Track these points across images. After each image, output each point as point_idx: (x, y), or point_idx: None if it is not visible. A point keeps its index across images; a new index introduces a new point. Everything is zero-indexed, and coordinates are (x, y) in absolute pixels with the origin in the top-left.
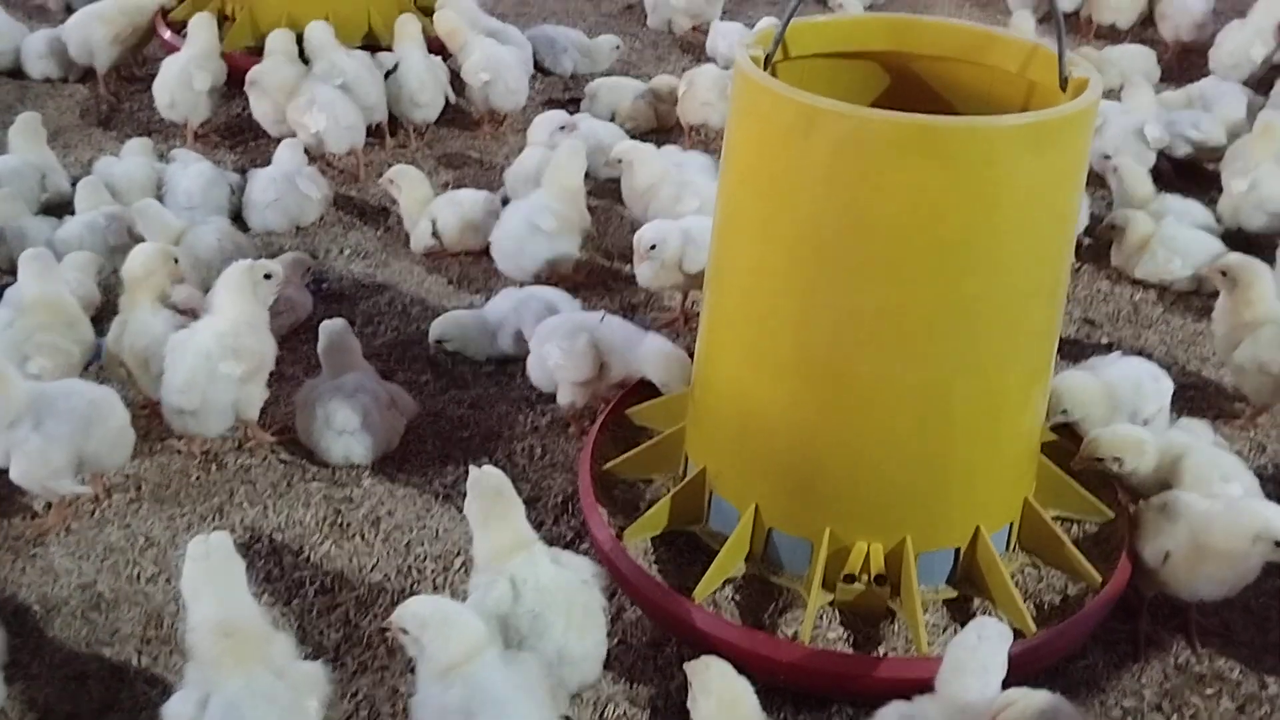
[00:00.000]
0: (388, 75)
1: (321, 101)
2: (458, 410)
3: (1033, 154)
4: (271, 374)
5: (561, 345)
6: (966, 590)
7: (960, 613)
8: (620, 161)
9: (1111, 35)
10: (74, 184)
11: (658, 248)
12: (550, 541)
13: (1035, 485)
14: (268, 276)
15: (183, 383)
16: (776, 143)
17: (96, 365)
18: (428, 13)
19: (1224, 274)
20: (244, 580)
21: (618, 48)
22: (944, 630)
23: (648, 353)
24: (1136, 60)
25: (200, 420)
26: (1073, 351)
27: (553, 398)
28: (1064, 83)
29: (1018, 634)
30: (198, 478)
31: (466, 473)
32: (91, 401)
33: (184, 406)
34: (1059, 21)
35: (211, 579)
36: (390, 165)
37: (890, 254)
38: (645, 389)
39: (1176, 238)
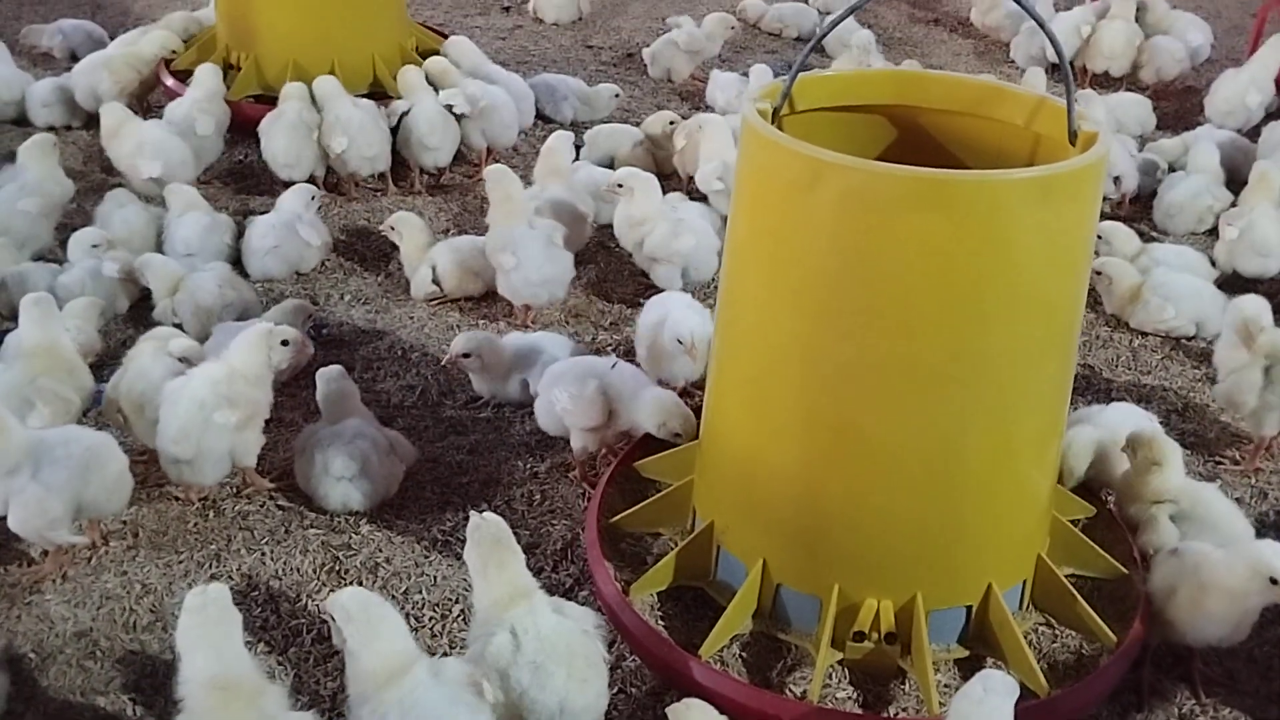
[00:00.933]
0: (400, 119)
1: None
2: (456, 456)
3: (1041, 208)
4: (270, 420)
5: (570, 390)
6: (979, 649)
7: (972, 672)
8: (620, 187)
9: (1105, 83)
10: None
11: (685, 343)
12: (549, 589)
13: (1049, 542)
14: (285, 343)
15: (177, 432)
16: (783, 196)
17: (95, 411)
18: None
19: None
20: (239, 633)
21: (617, 95)
22: (955, 690)
23: (643, 401)
24: (1131, 109)
25: (196, 469)
26: (1071, 399)
27: (552, 443)
28: (1073, 136)
29: (1031, 693)
30: (195, 524)
31: (465, 519)
32: (89, 448)
33: (179, 456)
34: (1068, 76)
35: (207, 632)
36: (392, 212)
37: (897, 308)
38: (654, 442)
39: (1167, 284)
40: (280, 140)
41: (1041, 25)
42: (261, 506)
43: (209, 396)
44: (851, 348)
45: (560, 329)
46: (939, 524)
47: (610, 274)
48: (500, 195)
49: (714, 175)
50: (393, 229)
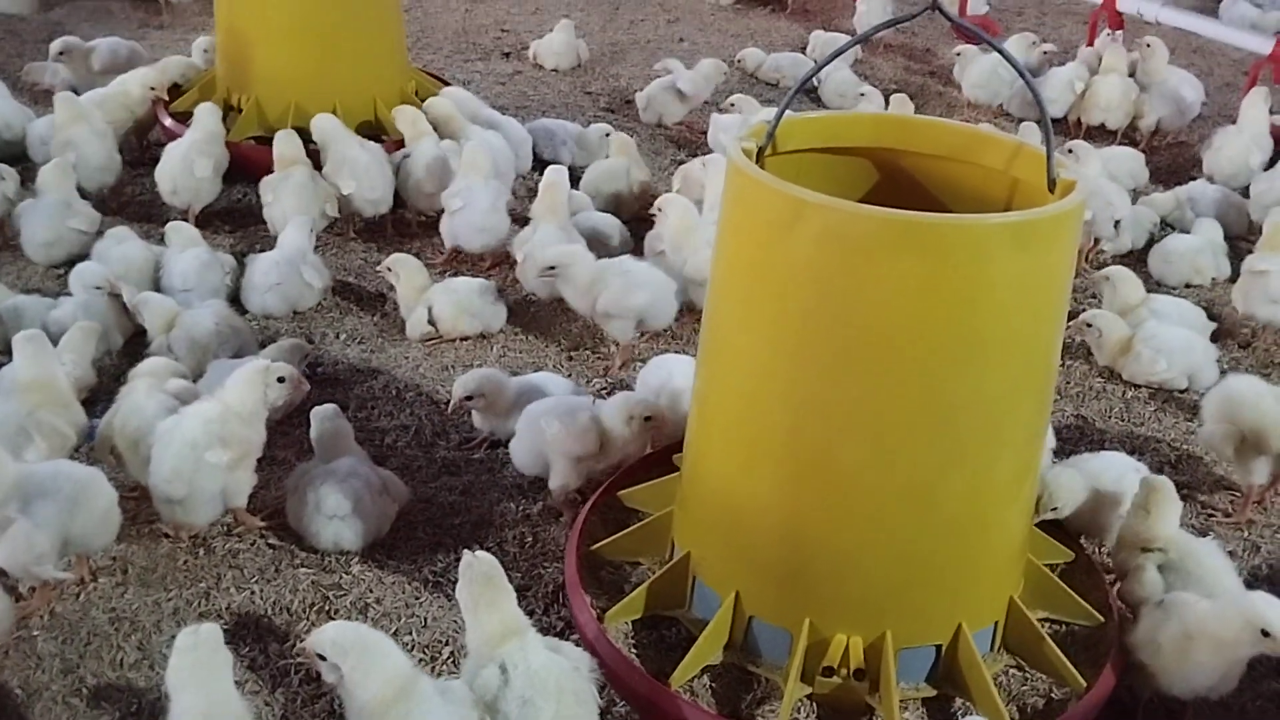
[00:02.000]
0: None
1: None
2: (449, 497)
3: (1017, 253)
4: (262, 457)
5: (563, 419)
6: (947, 689)
7: (940, 712)
8: (552, 269)
9: (1101, 135)
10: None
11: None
12: (540, 632)
13: (1023, 585)
14: (281, 380)
15: (169, 471)
16: (764, 234)
17: (87, 446)
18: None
19: None
20: (229, 673)
21: (608, 135)
22: None
23: (610, 407)
24: (1125, 162)
25: (188, 509)
26: (1064, 449)
27: (545, 485)
28: (1052, 184)
29: None
30: (185, 561)
31: (457, 560)
32: (78, 483)
33: (171, 495)
34: (1046, 124)
35: (197, 672)
36: (390, 253)
37: (875, 347)
38: (638, 472)
39: (1159, 337)
40: (290, 200)
41: (1024, 78)
42: (252, 544)
43: (201, 436)
44: (829, 385)
45: (558, 370)
46: (912, 563)
47: None
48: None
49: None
50: (390, 270)
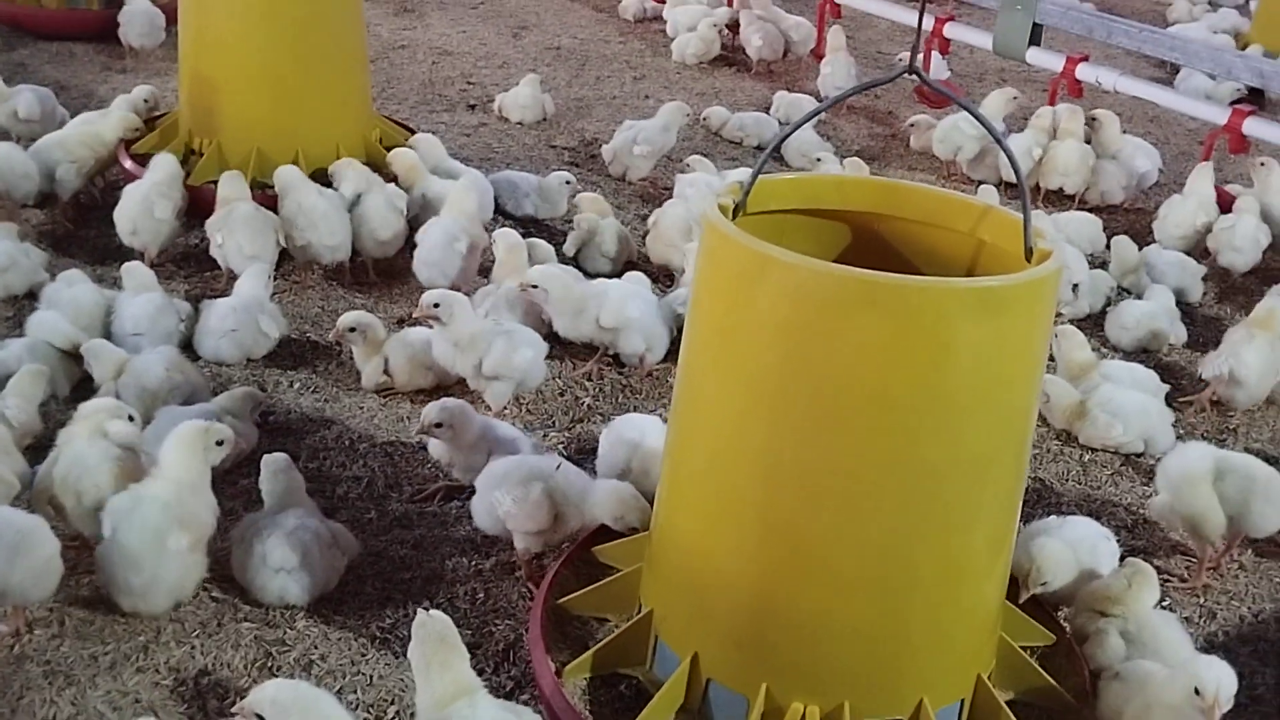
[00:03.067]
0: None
1: None
2: (400, 550)
3: (983, 319)
4: None
5: (515, 494)
6: None
7: None
8: (438, 307)
9: (1056, 200)
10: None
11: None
12: (490, 690)
13: (994, 663)
14: (220, 443)
15: (130, 559)
16: (734, 289)
17: (26, 495)
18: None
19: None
20: None
21: (568, 183)
22: None
23: (599, 495)
24: (1082, 227)
25: (148, 600)
26: (1023, 513)
27: (497, 540)
28: (1029, 253)
29: None
30: (124, 614)
31: (406, 616)
32: (20, 531)
33: (132, 585)
34: (1024, 193)
35: None
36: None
37: (842, 409)
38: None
39: (1114, 401)
40: (243, 233)
41: (999, 141)
42: (195, 597)
43: (161, 521)
44: (798, 445)
45: (517, 422)
46: (876, 632)
47: (569, 370)
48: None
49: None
50: (352, 330)
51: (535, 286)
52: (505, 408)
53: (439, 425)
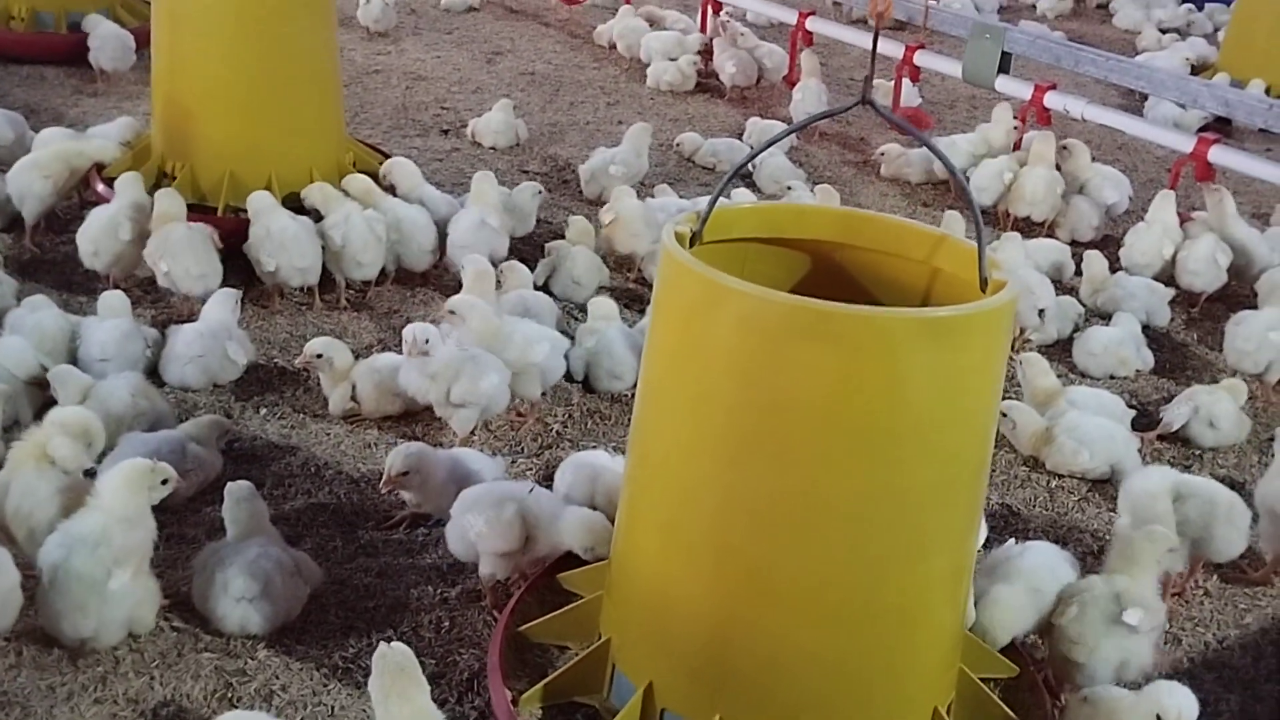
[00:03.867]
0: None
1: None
2: (364, 579)
3: (934, 349)
4: (172, 535)
5: (487, 515)
6: None
7: None
8: (319, 357)
9: (1027, 228)
10: None
11: None
12: None
13: (953, 694)
14: (165, 482)
15: (75, 606)
16: (688, 317)
17: None
18: (371, 174)
19: None
20: None
21: (539, 193)
22: None
23: (569, 522)
24: (1051, 254)
25: (98, 638)
26: (990, 538)
27: (464, 568)
28: (984, 283)
29: None
30: (81, 644)
31: (369, 646)
32: None
33: (80, 631)
34: (978, 224)
35: None
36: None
37: (794, 437)
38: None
39: (1080, 428)
40: (187, 257)
41: (953, 173)
42: (154, 626)
43: (96, 568)
44: (751, 473)
45: (483, 449)
46: (830, 663)
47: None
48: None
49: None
50: (319, 356)
51: (454, 313)
52: (474, 434)
53: (405, 474)
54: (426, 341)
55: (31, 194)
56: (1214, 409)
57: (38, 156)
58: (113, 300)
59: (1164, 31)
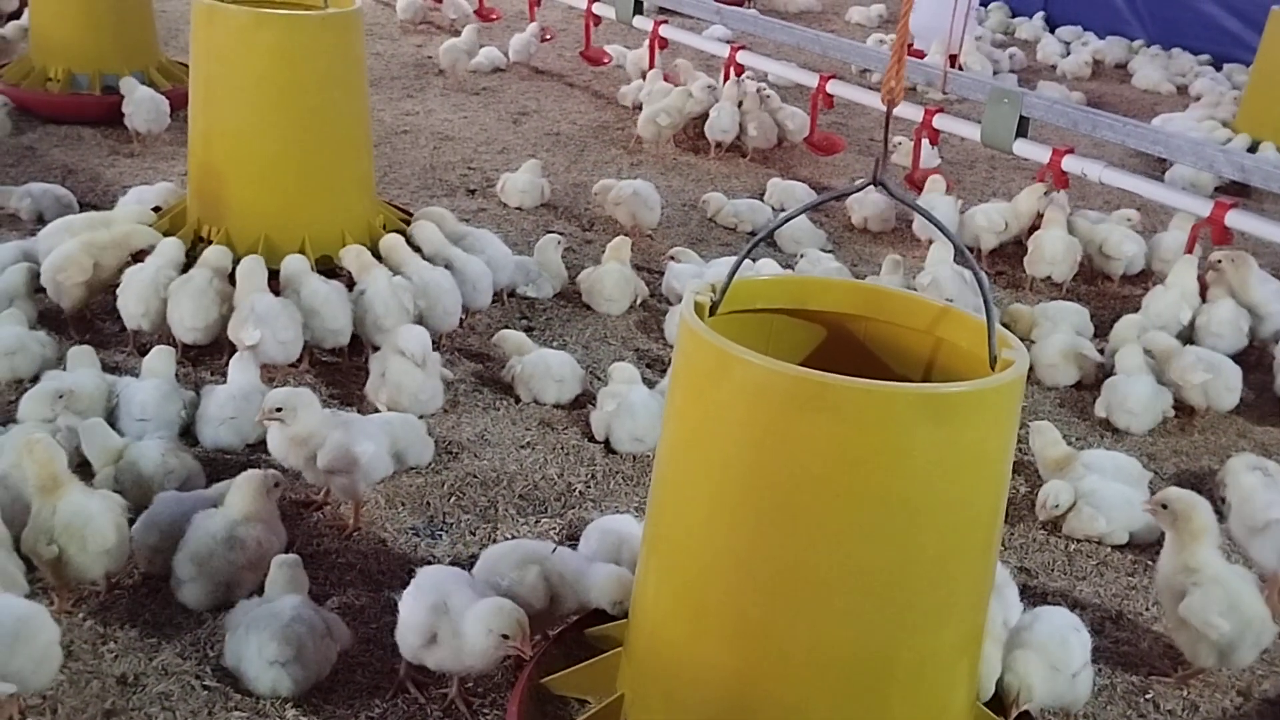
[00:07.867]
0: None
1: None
2: (390, 638)
3: (933, 424)
4: None
5: (511, 577)
6: None
7: None
8: (279, 410)
9: (1047, 289)
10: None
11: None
12: None
13: None
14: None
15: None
16: (701, 386)
17: None
18: (402, 233)
19: (1164, 507)
20: None
21: (559, 242)
22: None
23: (597, 578)
24: (1070, 316)
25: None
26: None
27: None
28: (994, 361)
29: None
30: (113, 703)
31: (395, 705)
32: (20, 618)
33: None
34: (989, 305)
35: None
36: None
37: (799, 507)
38: None
39: (1099, 494)
40: (187, 304)
41: (960, 250)
42: (184, 685)
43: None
44: (761, 540)
45: (510, 508)
46: None
47: (562, 456)
48: None
49: None
50: (280, 410)
51: (279, 410)
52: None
53: (279, 410)
54: (278, 410)
55: (65, 295)
56: None
57: (69, 254)
58: (156, 360)
59: (1181, 90)
